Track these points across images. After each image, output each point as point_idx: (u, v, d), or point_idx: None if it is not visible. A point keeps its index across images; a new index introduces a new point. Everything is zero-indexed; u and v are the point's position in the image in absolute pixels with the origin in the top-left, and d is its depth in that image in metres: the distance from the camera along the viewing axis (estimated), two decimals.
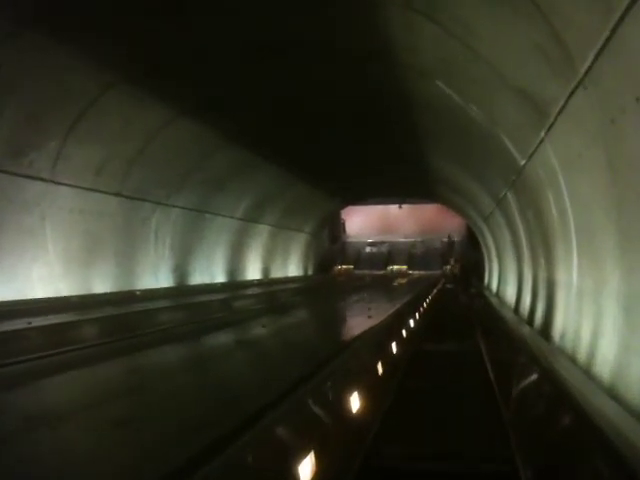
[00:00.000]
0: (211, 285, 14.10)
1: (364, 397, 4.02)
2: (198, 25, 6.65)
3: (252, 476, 2.18)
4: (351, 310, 9.97)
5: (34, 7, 5.94)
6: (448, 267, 27.58)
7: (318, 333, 7.20)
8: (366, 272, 28.09)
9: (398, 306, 9.13)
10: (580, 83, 3.42)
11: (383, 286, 18.44)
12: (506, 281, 12.66)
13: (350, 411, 3.71)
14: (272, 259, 19.59)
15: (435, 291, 17.09)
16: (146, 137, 9.53)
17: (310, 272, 24.96)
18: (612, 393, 3.41)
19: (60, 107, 7.74)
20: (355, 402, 3.81)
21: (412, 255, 31.29)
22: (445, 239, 30.15)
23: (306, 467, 2.41)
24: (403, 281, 21.82)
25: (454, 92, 6.64)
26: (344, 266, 30.20)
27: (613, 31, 2.77)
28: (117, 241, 10.31)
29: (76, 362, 4.47)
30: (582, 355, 4.36)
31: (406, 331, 8.11)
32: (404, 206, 30.79)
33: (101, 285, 9.86)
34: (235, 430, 2.26)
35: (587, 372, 4.07)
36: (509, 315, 9.27)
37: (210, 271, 14.46)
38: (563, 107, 3.94)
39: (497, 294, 14.70)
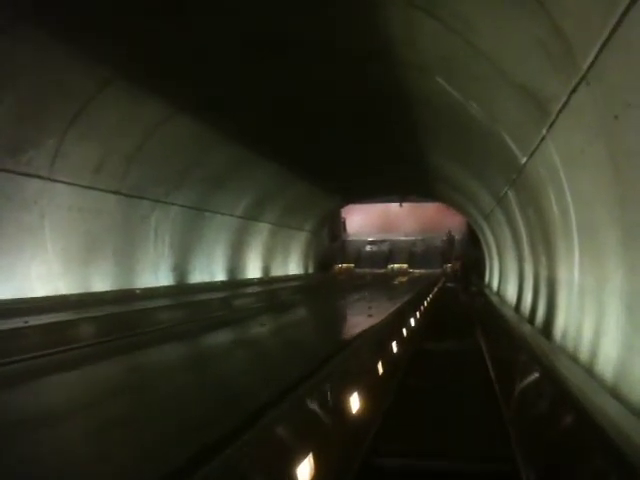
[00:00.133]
0: (211, 283, 14.08)
1: (364, 397, 3.99)
2: (198, 24, 6.63)
3: (249, 478, 2.15)
4: (351, 309, 9.94)
5: (33, 5, 5.91)
6: (449, 265, 27.55)
7: (318, 332, 7.17)
8: (367, 270, 28.08)
9: (399, 305, 9.11)
10: (583, 79, 3.37)
11: (383, 285, 18.42)
12: (507, 279, 12.62)
13: (350, 411, 3.68)
14: (272, 257, 19.56)
15: (436, 289, 17.08)
16: (145, 135, 9.50)
17: (310, 270, 24.93)
18: (615, 393, 3.38)
19: (59, 105, 7.71)
20: (355, 402, 3.78)
21: (412, 253, 31.27)
22: (445, 237, 30.11)
23: (305, 469, 2.37)
24: (404, 279, 21.79)
25: (454, 89, 6.60)
26: (344, 264, 30.18)
27: (617, 24, 2.73)
28: (116, 239, 10.28)
29: (75, 361, 4.44)
30: (584, 354, 4.32)
31: (407, 330, 8.08)
32: (404, 204, 30.77)
33: (100, 283, 9.83)
34: (231, 432, 2.23)
35: (589, 371, 4.03)
36: (510, 313, 9.24)
37: (210, 269, 14.44)
38: (565, 103, 3.90)
39: (498, 292, 14.67)
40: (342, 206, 26.76)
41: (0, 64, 6.53)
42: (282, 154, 13.31)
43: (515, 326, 7.66)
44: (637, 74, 2.74)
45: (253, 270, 17.67)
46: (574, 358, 4.58)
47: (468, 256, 24.99)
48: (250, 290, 14.39)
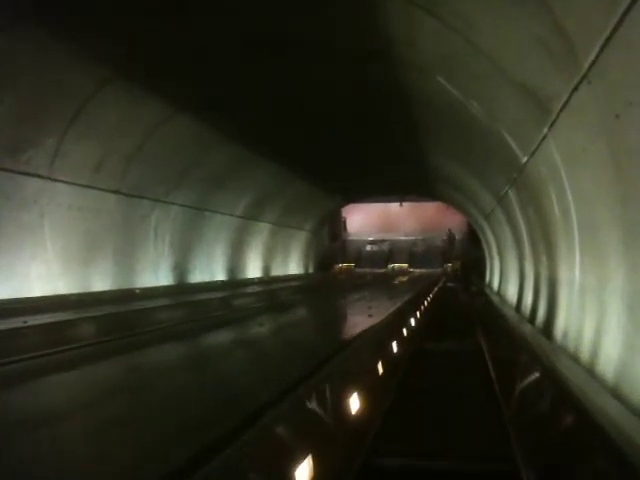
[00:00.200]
0: (211, 283, 14.06)
1: (364, 397, 3.97)
2: (198, 24, 6.63)
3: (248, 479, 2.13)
4: (352, 308, 9.92)
5: (33, 4, 5.90)
6: (449, 265, 27.53)
7: (318, 332, 7.15)
8: (367, 270, 28.05)
9: (399, 304, 9.09)
10: (584, 77, 3.35)
11: (384, 284, 18.40)
12: (507, 279, 12.60)
13: (349, 412, 3.66)
14: (272, 257, 19.55)
15: (436, 289, 17.06)
16: (145, 134, 9.49)
17: (311, 270, 24.92)
18: (616, 393, 3.36)
19: (58, 104, 7.70)
20: (355, 403, 3.76)
21: (413, 253, 31.25)
22: (445, 237, 30.08)
23: (303, 471, 2.36)
24: (404, 279, 21.77)
25: (454, 88, 6.58)
26: (345, 264, 30.16)
27: (619, 23, 2.71)
28: (116, 239, 10.27)
29: (74, 362, 4.42)
30: (585, 354, 4.30)
31: (407, 330, 8.06)
32: (405, 204, 30.74)
33: (100, 283, 9.82)
34: (228, 434, 2.21)
35: (590, 371, 4.01)
36: (510, 313, 9.23)
37: (210, 269, 14.43)
38: (566, 102, 3.88)
39: (498, 292, 14.66)
40: (342, 206, 26.75)
41: (0, 63, 6.52)
42: (282, 154, 13.30)
43: (515, 326, 7.64)
44: (638, 73, 2.72)
45: (253, 270, 17.65)
46: (575, 358, 4.56)
47: (468, 256, 24.97)
48: (250, 290, 14.37)
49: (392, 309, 8.21)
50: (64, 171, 8.48)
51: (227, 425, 2.33)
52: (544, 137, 4.83)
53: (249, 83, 8.73)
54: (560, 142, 4.57)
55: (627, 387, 3.25)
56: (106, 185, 9.59)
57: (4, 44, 6.29)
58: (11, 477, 2.01)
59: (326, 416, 3.18)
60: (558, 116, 4.22)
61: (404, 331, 7.83)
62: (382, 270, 28.81)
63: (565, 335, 5.22)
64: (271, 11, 6.35)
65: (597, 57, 3.07)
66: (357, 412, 3.78)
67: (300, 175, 16.01)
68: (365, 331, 5.73)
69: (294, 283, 17.99)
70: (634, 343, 3.23)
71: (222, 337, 5.95)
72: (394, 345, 6.55)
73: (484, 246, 19.58)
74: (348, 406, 3.66)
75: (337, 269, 29.56)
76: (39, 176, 8.07)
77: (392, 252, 31.38)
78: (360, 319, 6.86)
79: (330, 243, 30.12)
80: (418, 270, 28.49)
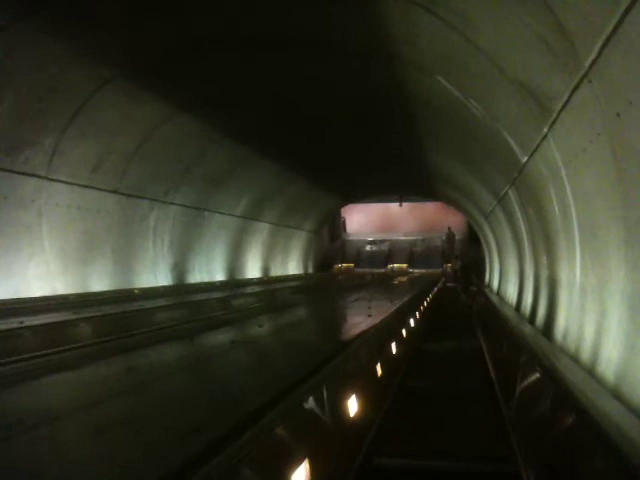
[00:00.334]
0: (210, 283, 14.04)
1: (362, 399, 3.94)
2: (198, 24, 6.60)
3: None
4: (351, 309, 9.89)
5: (33, 4, 5.87)
6: (448, 265, 27.50)
7: (317, 333, 7.13)
8: (366, 270, 28.02)
9: (398, 305, 9.07)
10: (585, 76, 3.33)
11: (383, 284, 18.38)
12: (507, 279, 12.58)
13: (348, 413, 3.63)
14: (272, 257, 19.53)
15: (436, 289, 17.04)
16: (144, 134, 9.46)
17: (310, 270, 24.90)
18: (616, 394, 3.34)
19: (57, 103, 7.67)
20: (353, 405, 3.73)
21: (413, 253, 31.21)
22: (444, 236, 30.04)
23: (300, 474, 2.33)
24: (403, 279, 21.76)
25: (454, 88, 6.56)
26: (344, 264, 30.13)
27: (619, 22, 2.69)
28: (115, 239, 10.24)
29: (72, 362, 4.40)
30: (585, 354, 4.28)
31: (406, 330, 8.04)
32: (404, 204, 30.71)
33: (99, 283, 9.79)
34: (218, 439, 2.18)
35: (590, 372, 3.99)
36: (510, 313, 9.20)
37: (209, 269, 14.40)
38: (567, 101, 3.86)
39: (498, 292, 14.64)
40: (342, 206, 26.73)
41: None
42: (282, 153, 13.28)
43: (515, 326, 7.62)
44: (639, 71, 2.70)
45: (252, 270, 17.63)
46: (575, 358, 4.54)
47: (468, 256, 24.93)
48: (249, 290, 14.34)
49: (392, 309, 8.19)
50: (62, 171, 8.46)
51: (219, 428, 2.31)
52: (544, 136, 4.80)
53: (249, 83, 8.71)
54: (560, 141, 4.54)
55: (627, 387, 3.23)
56: (105, 185, 9.57)
57: (3, 43, 6.26)
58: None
59: (324, 418, 3.15)
60: (558, 115, 4.20)
61: (403, 332, 7.80)
62: (382, 270, 28.78)
63: (565, 335, 5.20)
64: (271, 11, 6.34)
65: (598, 56, 3.05)
66: (355, 414, 3.75)
67: (300, 175, 15.99)
68: (364, 332, 5.71)
69: (293, 283, 17.97)
70: (635, 344, 3.21)
71: (220, 338, 5.92)
72: (393, 346, 6.52)
73: (484, 246, 19.57)
74: (346, 408, 3.63)
75: (337, 269, 29.55)
76: (37, 176, 8.04)
77: (392, 252, 31.33)
78: (360, 319, 6.83)
79: (330, 243, 30.10)
80: (418, 270, 28.47)
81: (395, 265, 30.32)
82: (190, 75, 8.26)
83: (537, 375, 4.53)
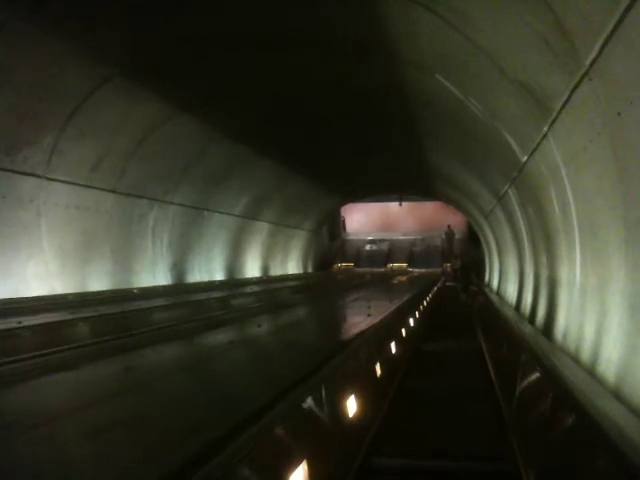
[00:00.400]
0: (209, 283, 14.02)
1: (362, 399, 3.93)
2: (198, 24, 6.59)
3: None
4: (350, 308, 9.88)
5: (32, 3, 5.85)
6: (448, 265, 27.49)
7: (316, 332, 7.12)
8: (366, 270, 28.00)
9: (398, 304, 9.06)
10: (585, 75, 3.32)
11: (383, 284, 18.37)
12: (507, 278, 12.58)
13: (347, 414, 3.62)
14: (271, 257, 19.52)
15: (435, 289, 17.03)
16: (143, 133, 9.45)
17: (310, 270, 24.89)
18: (617, 394, 3.33)
19: (56, 102, 7.66)
20: (352, 405, 3.72)
21: (412, 253, 31.20)
22: (444, 235, 30.03)
23: (299, 475, 2.32)
24: (403, 279, 21.75)
25: (454, 87, 6.55)
26: (344, 264, 30.13)
27: (620, 20, 2.68)
28: (114, 238, 10.23)
29: (70, 362, 4.38)
30: (585, 354, 4.27)
31: (406, 330, 8.03)
32: (404, 203, 30.71)
33: (97, 283, 9.78)
34: (218, 439, 2.17)
35: (591, 372, 3.98)
36: (510, 313, 9.19)
37: (208, 269, 14.39)
38: (567, 100, 3.85)
39: (498, 292, 14.63)
40: (342, 205, 26.73)
41: None
42: (281, 153, 13.27)
43: (515, 326, 7.61)
44: None
45: (252, 269, 17.62)
46: (575, 358, 4.53)
47: (468, 255, 24.92)
48: (248, 290, 14.33)
49: (391, 309, 8.18)
50: (61, 170, 8.44)
51: (218, 429, 2.30)
52: (544, 136, 4.79)
53: (249, 82, 8.70)
54: (560, 141, 4.53)
55: (628, 388, 3.22)
56: (104, 184, 9.55)
57: (3, 43, 6.25)
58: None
59: (323, 418, 3.14)
60: (559, 114, 4.19)
61: (403, 331, 7.79)
62: (381, 270, 28.77)
63: (565, 335, 5.19)
64: (271, 10, 6.33)
65: (598, 55, 3.04)
66: (354, 415, 3.74)
67: (299, 174, 15.98)
68: (364, 331, 5.70)
69: (293, 283, 17.95)
70: (635, 343, 3.20)
71: (219, 338, 5.91)
72: (393, 346, 6.51)
73: (484, 246, 19.57)
74: (345, 408, 3.62)
75: (336, 269, 29.54)
76: (36, 175, 8.03)
77: (391, 252, 31.33)
78: (359, 319, 6.82)
79: (329, 243, 30.08)
80: (417, 270, 28.47)
81: (395, 264, 30.31)
82: (190, 75, 8.25)
83: (537, 375, 4.52)
